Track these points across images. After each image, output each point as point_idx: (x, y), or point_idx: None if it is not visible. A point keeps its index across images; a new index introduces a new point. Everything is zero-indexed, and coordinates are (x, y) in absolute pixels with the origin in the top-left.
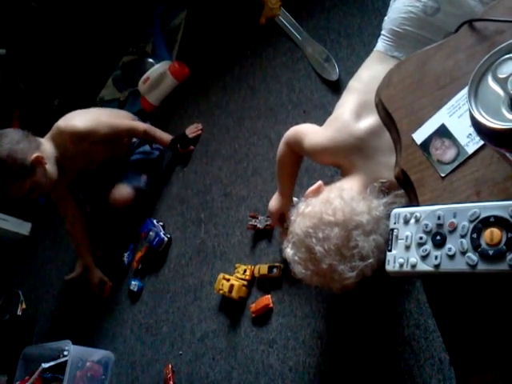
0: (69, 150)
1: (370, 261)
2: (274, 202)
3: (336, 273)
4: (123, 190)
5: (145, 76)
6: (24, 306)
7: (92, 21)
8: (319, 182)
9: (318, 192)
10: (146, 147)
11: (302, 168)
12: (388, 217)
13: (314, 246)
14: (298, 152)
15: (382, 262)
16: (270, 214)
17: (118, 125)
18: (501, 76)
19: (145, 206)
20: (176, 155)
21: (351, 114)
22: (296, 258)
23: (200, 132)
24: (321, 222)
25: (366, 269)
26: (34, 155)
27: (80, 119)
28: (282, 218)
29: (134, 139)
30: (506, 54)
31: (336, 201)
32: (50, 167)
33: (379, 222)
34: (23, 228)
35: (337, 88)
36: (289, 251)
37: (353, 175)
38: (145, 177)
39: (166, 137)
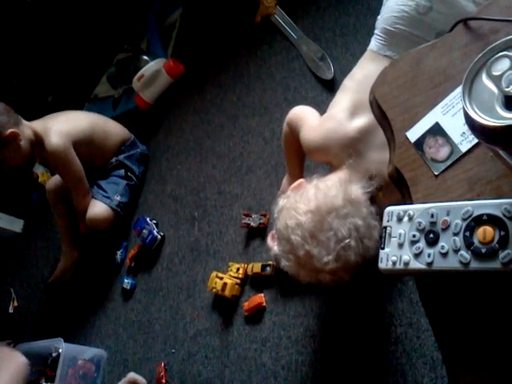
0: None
1: (347, 241)
2: (284, 183)
3: (314, 259)
4: (99, 210)
5: (139, 73)
6: (16, 303)
7: (87, 17)
8: (300, 180)
9: (299, 188)
10: (121, 171)
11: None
12: (370, 202)
13: (291, 235)
14: (296, 136)
15: (365, 247)
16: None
17: (74, 171)
18: (495, 73)
19: (138, 204)
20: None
21: (345, 113)
22: (279, 252)
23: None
24: (296, 211)
25: (345, 252)
26: (11, 130)
27: (59, 137)
28: None
29: (113, 160)
30: (501, 51)
31: (311, 190)
32: (25, 145)
33: (357, 205)
34: (15, 225)
35: (331, 87)
36: (276, 249)
37: (340, 170)
38: (119, 197)
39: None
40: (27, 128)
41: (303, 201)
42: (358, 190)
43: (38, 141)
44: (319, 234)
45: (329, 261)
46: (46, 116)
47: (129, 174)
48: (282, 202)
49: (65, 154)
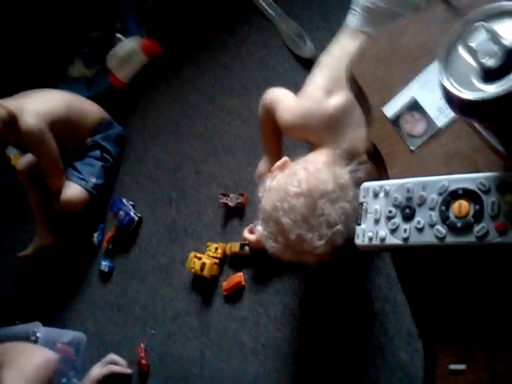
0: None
1: (338, 227)
2: (261, 164)
3: (305, 243)
4: (74, 192)
5: (113, 51)
6: None
7: None
8: (284, 158)
9: (283, 167)
10: (97, 152)
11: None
12: (354, 184)
13: (281, 217)
14: (273, 117)
15: (351, 230)
16: (257, 177)
17: (50, 152)
18: (471, 45)
19: (114, 185)
20: None
21: (322, 90)
22: (266, 232)
23: None
24: (286, 193)
25: (335, 236)
26: None
27: (35, 117)
28: None
29: (89, 140)
30: (477, 22)
31: (300, 172)
32: None
33: (345, 189)
34: None
35: (311, 65)
36: (259, 228)
37: (320, 149)
38: (94, 179)
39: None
40: (0, 107)
41: (294, 183)
42: (346, 175)
43: (11, 120)
44: (311, 218)
45: (320, 245)
46: (20, 94)
47: (105, 155)
48: (269, 182)
49: (40, 134)
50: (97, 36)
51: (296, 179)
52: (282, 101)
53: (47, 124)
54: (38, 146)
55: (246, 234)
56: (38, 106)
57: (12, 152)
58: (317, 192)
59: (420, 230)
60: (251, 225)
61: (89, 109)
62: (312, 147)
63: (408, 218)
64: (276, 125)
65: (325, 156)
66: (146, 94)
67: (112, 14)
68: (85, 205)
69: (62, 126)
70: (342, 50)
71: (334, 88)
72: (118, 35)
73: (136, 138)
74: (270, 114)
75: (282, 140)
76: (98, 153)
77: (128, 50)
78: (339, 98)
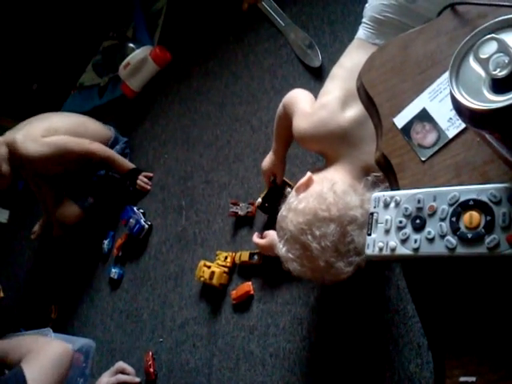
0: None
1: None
2: (266, 161)
3: (333, 269)
4: (70, 209)
5: (125, 61)
6: (2, 294)
7: (73, 4)
8: (309, 174)
9: (308, 185)
10: (102, 172)
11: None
12: None
13: (311, 243)
14: (289, 119)
15: None
16: (262, 172)
17: (74, 149)
18: (482, 56)
19: (124, 193)
20: (128, 187)
21: (338, 102)
22: (290, 255)
23: (148, 188)
24: (315, 218)
25: (361, 262)
26: None
27: (34, 144)
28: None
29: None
30: (488, 33)
31: (329, 195)
32: (5, 168)
33: None
34: (1, 215)
35: (319, 75)
36: (281, 248)
37: (339, 164)
38: (91, 199)
39: (126, 165)
40: (1, 146)
41: (322, 207)
42: None
43: (12, 155)
44: (341, 245)
45: (347, 272)
46: (11, 129)
47: (110, 173)
48: (295, 202)
49: (50, 148)
50: (109, 45)
51: (325, 203)
52: (299, 107)
53: (49, 151)
54: (58, 156)
55: (255, 238)
56: (32, 131)
57: None
58: (346, 218)
59: (430, 240)
60: (257, 233)
61: (91, 132)
62: (328, 160)
63: (418, 228)
64: (290, 128)
65: (349, 176)
66: (156, 102)
67: (124, 24)
68: (79, 219)
69: (65, 155)
70: (353, 61)
71: (349, 100)
72: (130, 44)
73: (146, 146)
74: (287, 116)
75: (291, 142)
76: (102, 172)
77: (139, 60)
78: (354, 111)
